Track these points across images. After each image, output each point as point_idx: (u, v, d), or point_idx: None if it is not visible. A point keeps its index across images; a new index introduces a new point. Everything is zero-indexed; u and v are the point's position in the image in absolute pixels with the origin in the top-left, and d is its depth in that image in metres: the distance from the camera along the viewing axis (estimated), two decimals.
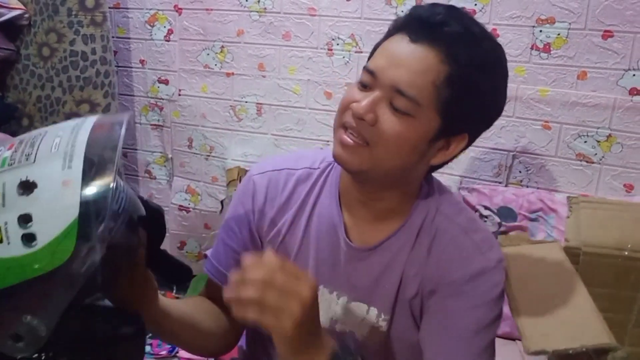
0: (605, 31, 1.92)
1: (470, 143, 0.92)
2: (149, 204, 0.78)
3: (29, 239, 0.59)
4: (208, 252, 1.06)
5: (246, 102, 2.43)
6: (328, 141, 2.34)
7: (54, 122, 2.34)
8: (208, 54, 2.45)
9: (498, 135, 2.08)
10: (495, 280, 0.92)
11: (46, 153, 0.63)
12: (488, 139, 2.09)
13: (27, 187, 0.60)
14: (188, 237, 2.67)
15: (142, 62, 2.60)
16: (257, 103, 2.42)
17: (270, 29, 2.33)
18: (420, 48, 0.83)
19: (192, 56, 2.48)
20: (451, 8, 0.87)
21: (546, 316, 1.30)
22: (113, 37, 2.52)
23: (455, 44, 0.82)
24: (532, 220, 1.96)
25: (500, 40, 0.92)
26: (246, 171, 2.44)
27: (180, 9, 2.45)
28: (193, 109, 2.54)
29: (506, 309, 1.13)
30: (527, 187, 2.10)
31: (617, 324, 1.55)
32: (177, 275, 0.86)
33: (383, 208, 0.95)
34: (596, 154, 2.01)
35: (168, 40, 2.52)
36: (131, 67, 2.62)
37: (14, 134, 2.39)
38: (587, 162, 2.03)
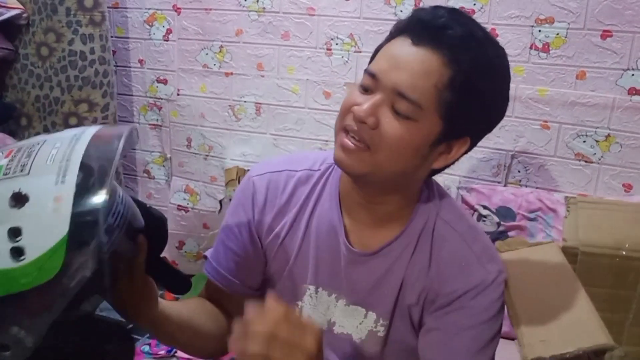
0: (604, 31, 1.92)
1: (472, 147, 0.91)
2: (151, 212, 0.78)
3: (17, 252, 0.59)
4: (207, 253, 1.05)
5: (245, 101, 2.43)
6: (327, 141, 2.34)
7: (53, 122, 2.36)
8: (207, 54, 2.45)
9: (497, 135, 2.08)
10: (495, 295, 0.92)
11: (41, 165, 0.62)
12: (487, 138, 2.05)
13: (19, 199, 0.60)
14: (187, 237, 2.66)
15: (140, 61, 2.59)
16: (256, 103, 2.42)
17: (269, 28, 2.33)
18: (422, 51, 0.82)
19: (191, 56, 2.48)
20: (454, 11, 0.86)
21: (544, 322, 1.31)
22: (112, 36, 2.51)
23: (457, 47, 0.82)
24: (531, 220, 1.96)
25: (499, 40, 0.92)
26: (245, 171, 2.44)
27: (179, 8, 2.45)
28: (192, 109, 2.53)
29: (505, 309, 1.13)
30: (526, 186, 2.10)
31: (615, 324, 1.55)
32: (175, 285, 0.86)
33: (383, 212, 0.95)
34: (595, 153, 2.01)
35: (167, 40, 2.52)
36: (130, 67, 2.62)
37: (12, 133, 2.39)
38: (586, 161, 2.03)
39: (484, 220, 1.98)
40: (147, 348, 2.20)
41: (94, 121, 2.40)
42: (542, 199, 1.97)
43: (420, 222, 0.95)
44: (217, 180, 2.55)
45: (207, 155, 2.55)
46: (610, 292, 1.70)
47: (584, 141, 2.01)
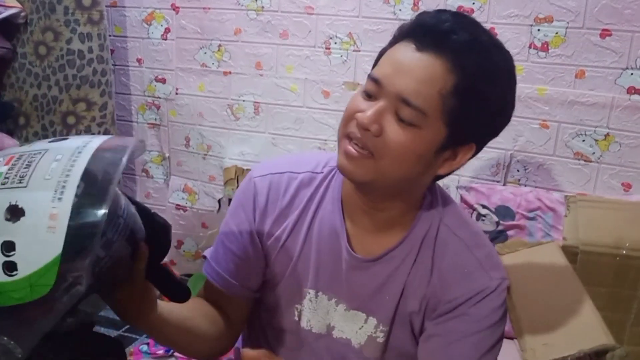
0: (604, 30, 1.91)
1: (477, 152, 0.90)
2: (155, 219, 0.77)
3: (9, 267, 0.58)
4: (207, 253, 1.04)
5: (243, 101, 2.43)
6: (326, 140, 2.34)
7: (51, 121, 2.36)
8: (205, 53, 2.44)
9: None
10: (497, 303, 0.91)
11: (40, 179, 0.61)
12: None
13: (14, 213, 0.59)
14: (185, 237, 2.66)
15: (139, 60, 2.59)
16: (255, 102, 2.41)
17: (268, 27, 2.32)
18: (426, 57, 0.81)
19: (190, 55, 2.48)
20: (458, 15, 0.85)
21: (546, 325, 1.31)
22: (110, 35, 2.51)
23: (462, 53, 0.80)
24: (530, 219, 1.96)
25: (498, 39, 0.91)
26: (244, 170, 2.44)
27: (178, 7, 2.45)
28: (190, 108, 2.53)
29: None
30: (525, 186, 2.10)
31: (616, 323, 1.55)
32: (174, 293, 0.84)
33: (386, 217, 0.94)
34: (594, 152, 2.01)
35: (165, 39, 2.51)
36: (128, 66, 2.62)
37: (10, 132, 2.38)
38: (585, 161, 2.02)
39: (483, 220, 1.98)
40: (145, 348, 2.20)
41: (92, 120, 2.40)
42: (541, 198, 1.97)
43: (423, 228, 0.94)
44: (216, 179, 2.54)
45: (206, 155, 2.54)
46: (610, 292, 1.70)
47: (583, 140, 2.01)
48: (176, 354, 2.17)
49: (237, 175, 2.46)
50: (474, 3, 2.03)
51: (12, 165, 0.63)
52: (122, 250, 0.69)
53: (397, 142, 0.82)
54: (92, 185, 0.61)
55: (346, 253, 0.95)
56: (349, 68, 2.24)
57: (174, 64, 2.52)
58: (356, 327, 0.98)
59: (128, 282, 0.76)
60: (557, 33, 1.97)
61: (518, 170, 2.11)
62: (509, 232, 1.96)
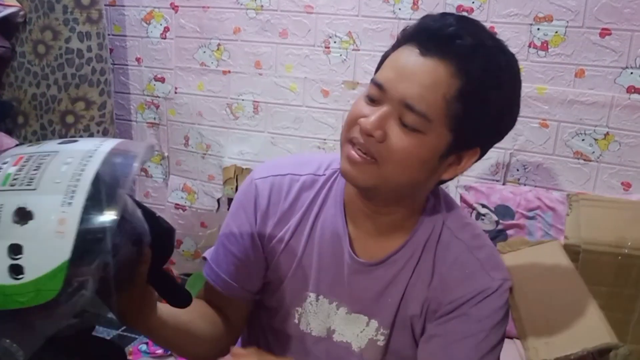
0: (603, 29, 1.91)
1: (482, 156, 0.89)
2: (160, 223, 0.77)
3: (16, 270, 0.57)
4: (207, 255, 1.03)
5: (243, 100, 2.42)
6: (325, 139, 2.34)
7: (50, 120, 2.35)
8: (204, 52, 2.44)
9: None
10: (499, 303, 0.90)
11: (50, 182, 0.60)
12: None
13: (23, 216, 0.58)
14: (184, 236, 2.66)
15: (138, 59, 2.58)
16: (254, 101, 2.41)
17: (267, 26, 2.32)
18: (430, 62, 0.80)
19: (189, 54, 2.47)
20: (463, 19, 0.84)
21: (548, 323, 1.30)
22: (109, 34, 2.51)
23: (467, 57, 0.79)
24: (529, 218, 1.96)
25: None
26: (243, 169, 2.43)
27: (177, 6, 2.44)
28: (189, 107, 2.52)
29: None
30: (525, 185, 2.10)
31: (618, 322, 1.54)
32: (175, 298, 0.84)
33: (388, 221, 0.93)
34: (594, 152, 2.00)
35: (164, 38, 2.51)
36: (127, 65, 2.61)
37: (9, 131, 2.38)
38: (584, 160, 2.02)
39: (482, 219, 1.98)
40: (144, 347, 2.19)
41: (91, 119, 2.39)
42: (541, 198, 1.97)
43: (425, 232, 0.93)
44: (215, 178, 2.54)
45: (205, 154, 2.54)
46: (612, 291, 1.70)
47: (583, 139, 2.01)
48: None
49: (236, 174, 2.46)
50: (473, 2, 2.03)
51: (21, 166, 0.62)
52: (128, 255, 0.69)
53: (400, 148, 0.81)
54: (103, 191, 0.60)
55: (348, 257, 0.95)
56: (349, 67, 2.24)
57: (173, 63, 2.52)
58: (357, 331, 0.98)
59: (129, 285, 0.75)
60: (556, 32, 1.97)
61: (518, 170, 2.11)
62: (509, 232, 1.96)
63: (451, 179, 0.91)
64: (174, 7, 2.45)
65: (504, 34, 2.00)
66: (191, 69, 2.48)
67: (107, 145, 0.65)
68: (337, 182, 0.97)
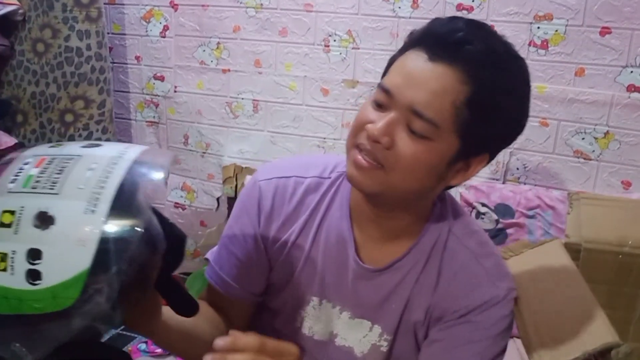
0: (603, 28, 1.91)
1: (490, 161, 0.88)
2: (173, 230, 0.75)
3: (33, 276, 0.56)
4: (209, 256, 1.02)
5: (242, 98, 2.42)
6: (325, 138, 2.33)
7: (49, 119, 2.35)
8: (204, 51, 2.44)
9: None
10: (503, 312, 0.90)
11: (73, 187, 0.59)
12: None
13: (44, 220, 0.57)
14: None
15: (137, 58, 2.58)
16: (254, 100, 2.41)
17: (267, 25, 2.32)
18: (439, 67, 0.78)
19: (188, 52, 2.47)
20: (472, 24, 0.82)
21: (551, 328, 1.30)
22: (108, 33, 2.50)
23: (476, 64, 0.78)
24: (529, 217, 1.95)
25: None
26: (242, 168, 2.43)
27: (176, 5, 2.44)
28: (189, 106, 2.52)
29: None
30: (525, 184, 2.09)
31: (619, 320, 1.54)
32: (181, 307, 0.82)
33: (394, 227, 0.92)
34: (594, 150, 2.00)
35: (164, 37, 2.51)
36: (126, 64, 2.61)
37: (8, 130, 2.37)
38: (584, 159, 2.02)
39: (482, 218, 1.98)
40: (144, 346, 2.19)
41: (91, 118, 2.39)
42: (541, 196, 1.97)
43: (431, 238, 0.92)
44: (215, 177, 2.54)
45: (204, 153, 2.54)
46: (613, 289, 1.70)
47: (583, 138, 2.01)
48: None
49: (235, 173, 2.46)
50: (473, 0, 2.03)
51: (43, 168, 0.61)
52: (143, 263, 0.67)
53: (408, 155, 0.80)
54: (127, 201, 0.59)
55: (353, 262, 0.94)
56: (348, 66, 2.24)
57: (173, 62, 2.51)
58: (360, 336, 0.97)
59: (140, 291, 0.74)
60: (556, 31, 1.97)
61: (517, 169, 2.10)
62: (509, 231, 1.96)
63: (459, 184, 0.89)
64: (174, 6, 2.44)
65: (503, 32, 1.97)
66: (191, 68, 2.48)
67: (131, 152, 0.64)
68: (342, 185, 0.96)
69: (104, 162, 0.61)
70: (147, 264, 0.69)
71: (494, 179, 2.12)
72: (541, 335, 1.29)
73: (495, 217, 1.97)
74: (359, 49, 2.20)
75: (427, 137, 0.79)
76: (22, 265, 0.56)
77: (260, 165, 2.38)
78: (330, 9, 2.21)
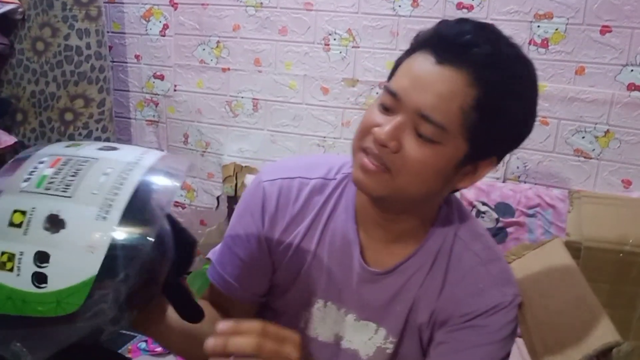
0: (603, 26, 1.91)
1: (497, 164, 0.88)
2: (183, 234, 0.74)
3: (40, 279, 0.56)
4: (211, 256, 1.01)
5: (242, 97, 2.42)
6: (324, 137, 2.33)
7: (49, 118, 2.35)
8: (204, 49, 2.43)
9: None
10: (508, 318, 0.89)
11: (86, 191, 0.58)
12: None
13: (55, 223, 0.57)
14: None
15: (137, 57, 2.58)
16: (253, 98, 2.40)
17: (267, 24, 2.31)
18: (446, 71, 0.77)
19: (188, 51, 2.47)
20: (480, 26, 0.81)
21: (553, 330, 1.30)
22: (108, 31, 2.50)
23: (484, 66, 0.77)
24: (529, 216, 1.95)
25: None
26: (242, 167, 2.43)
27: (176, 3, 2.43)
28: (188, 105, 2.52)
29: None
30: (525, 182, 2.09)
31: (620, 319, 1.54)
32: (187, 312, 0.81)
33: (400, 229, 0.92)
34: (594, 149, 2.00)
35: (163, 35, 2.50)
36: (126, 62, 2.60)
37: (7, 129, 2.37)
38: (585, 157, 2.02)
39: (482, 217, 1.98)
40: (143, 345, 2.19)
41: (90, 117, 2.38)
42: (541, 195, 1.97)
43: (437, 241, 0.92)
44: (214, 176, 2.54)
45: (204, 152, 2.53)
46: (614, 288, 1.70)
47: (583, 137, 2.01)
48: None
49: (235, 172, 2.46)
50: None
51: (58, 169, 0.61)
52: (151, 270, 0.67)
53: (416, 159, 0.79)
54: (139, 209, 0.58)
55: (358, 265, 0.93)
56: (348, 64, 2.23)
57: (172, 61, 2.51)
58: (365, 338, 0.96)
59: (146, 296, 0.73)
60: (557, 29, 1.96)
61: (518, 167, 2.10)
62: (509, 229, 1.96)
63: (466, 187, 0.89)
64: (173, 4, 2.44)
65: (503, 31, 1.99)
66: (190, 67, 2.48)
67: (148, 158, 0.63)
68: (348, 187, 0.95)
69: (120, 167, 0.61)
70: (155, 270, 0.68)
71: (494, 178, 2.12)
72: (545, 339, 1.29)
73: (495, 215, 1.96)
74: (359, 47, 2.20)
75: (435, 141, 0.78)
76: (29, 267, 0.56)
77: (262, 164, 2.38)
78: (330, 7, 2.21)
